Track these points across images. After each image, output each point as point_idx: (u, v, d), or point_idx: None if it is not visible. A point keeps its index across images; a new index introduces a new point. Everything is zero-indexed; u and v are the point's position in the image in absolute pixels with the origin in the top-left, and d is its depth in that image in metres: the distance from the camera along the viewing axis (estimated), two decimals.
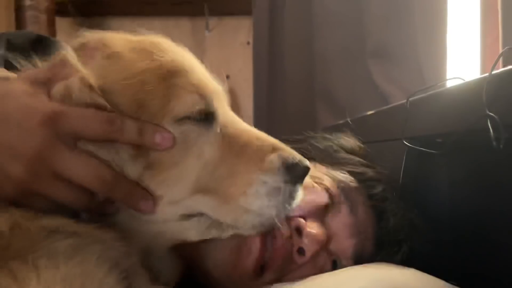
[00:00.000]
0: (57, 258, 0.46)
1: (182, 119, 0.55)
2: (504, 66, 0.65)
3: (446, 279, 0.66)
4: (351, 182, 0.78)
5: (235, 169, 0.57)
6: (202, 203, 0.57)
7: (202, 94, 0.57)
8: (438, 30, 1.27)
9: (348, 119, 1.04)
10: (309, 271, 0.71)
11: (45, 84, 0.53)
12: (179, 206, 0.57)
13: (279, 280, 0.70)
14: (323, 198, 0.75)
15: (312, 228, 0.71)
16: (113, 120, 0.52)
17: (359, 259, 0.75)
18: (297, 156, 0.59)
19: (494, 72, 0.62)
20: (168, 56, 0.57)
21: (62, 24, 2.34)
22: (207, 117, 0.57)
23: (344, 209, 0.76)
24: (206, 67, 0.62)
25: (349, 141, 0.89)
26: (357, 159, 0.84)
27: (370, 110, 1.10)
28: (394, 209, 0.78)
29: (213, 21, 2.51)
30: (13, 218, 0.48)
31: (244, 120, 0.62)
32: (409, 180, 0.87)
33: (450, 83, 0.82)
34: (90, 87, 0.53)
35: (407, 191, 0.83)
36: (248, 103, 2.16)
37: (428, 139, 0.81)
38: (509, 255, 0.68)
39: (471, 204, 0.77)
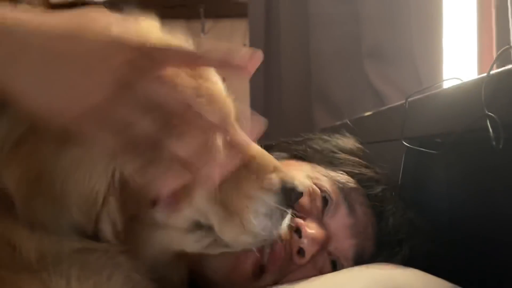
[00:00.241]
0: (88, 270, 0.46)
1: None
2: (499, 66, 0.65)
3: (446, 279, 0.66)
4: (350, 182, 0.79)
5: (239, 181, 0.56)
6: (213, 213, 0.56)
7: None
8: (434, 30, 1.27)
9: (347, 120, 1.04)
10: (308, 272, 0.71)
11: None
12: (199, 210, 0.56)
13: (279, 281, 0.70)
14: (321, 199, 0.75)
15: (311, 228, 0.71)
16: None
17: (360, 260, 0.75)
18: (295, 181, 0.59)
19: (492, 72, 0.63)
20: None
21: None
22: None
23: (343, 210, 0.76)
24: None
25: (347, 142, 0.89)
26: (356, 159, 0.84)
27: (366, 110, 1.10)
28: (393, 209, 0.79)
29: (208, 23, 2.51)
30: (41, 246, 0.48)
31: None
32: (408, 180, 0.88)
33: (448, 84, 0.82)
34: None
35: (407, 191, 0.83)
36: (244, 105, 2.15)
37: (427, 139, 0.81)
38: (509, 254, 0.68)
39: (470, 203, 0.77)
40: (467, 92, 0.69)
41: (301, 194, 0.60)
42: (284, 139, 0.92)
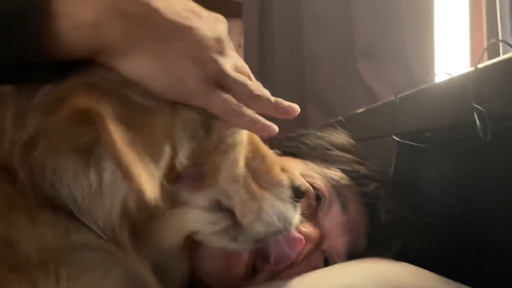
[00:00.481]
0: (79, 269, 0.46)
1: None
2: (489, 59, 0.66)
3: (438, 273, 0.66)
4: (343, 180, 0.79)
5: (257, 172, 0.59)
6: (237, 194, 0.57)
7: None
8: (426, 27, 1.28)
9: (341, 117, 1.04)
10: (302, 270, 0.70)
11: None
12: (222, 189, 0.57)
13: (272, 279, 0.70)
14: (314, 197, 0.76)
15: (305, 227, 0.72)
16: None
17: (352, 256, 0.75)
18: (299, 181, 0.63)
19: (479, 65, 0.63)
20: None
21: None
22: None
23: (336, 208, 0.76)
24: None
25: (340, 137, 0.89)
26: (349, 156, 0.84)
27: (360, 108, 1.10)
28: (386, 206, 0.79)
29: None
30: (43, 239, 0.48)
31: None
32: (400, 175, 0.88)
33: (438, 79, 0.82)
34: None
35: (398, 186, 0.84)
36: None
37: (417, 134, 0.81)
38: (500, 248, 0.69)
39: (461, 196, 0.78)
40: (455, 86, 0.70)
41: (304, 194, 0.63)
42: (277, 136, 0.92)
